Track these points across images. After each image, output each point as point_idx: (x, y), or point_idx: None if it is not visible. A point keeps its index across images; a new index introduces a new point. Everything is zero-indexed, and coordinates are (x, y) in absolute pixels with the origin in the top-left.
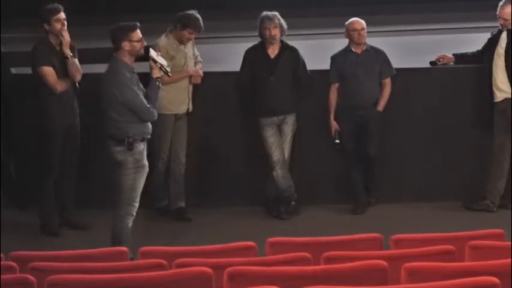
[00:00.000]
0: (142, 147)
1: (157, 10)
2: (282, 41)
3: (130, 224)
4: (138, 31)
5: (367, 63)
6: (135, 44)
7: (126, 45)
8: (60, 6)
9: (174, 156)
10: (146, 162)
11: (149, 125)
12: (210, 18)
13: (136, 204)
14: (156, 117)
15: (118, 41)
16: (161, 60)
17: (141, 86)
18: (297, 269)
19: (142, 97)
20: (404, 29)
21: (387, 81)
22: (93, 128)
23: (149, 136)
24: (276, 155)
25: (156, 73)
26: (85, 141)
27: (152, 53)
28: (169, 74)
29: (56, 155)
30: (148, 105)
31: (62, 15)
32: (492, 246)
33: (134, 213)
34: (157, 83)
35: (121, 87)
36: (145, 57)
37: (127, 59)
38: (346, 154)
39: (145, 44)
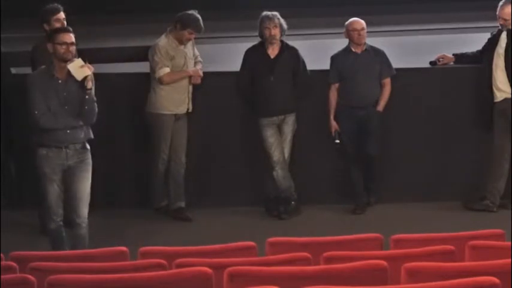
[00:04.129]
0: (44, 153)
1: (157, 10)
2: (282, 41)
3: (51, 226)
4: (65, 34)
5: (367, 63)
6: (57, 46)
7: (49, 46)
8: (60, 6)
9: (174, 156)
10: (47, 170)
11: (58, 134)
12: (210, 18)
13: (54, 209)
14: (47, 126)
15: (47, 42)
16: (78, 72)
17: (73, 94)
18: (297, 269)
19: (36, 102)
20: (404, 29)
21: (387, 81)
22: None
23: (60, 145)
24: (276, 155)
25: (88, 84)
26: None
27: (73, 64)
28: (88, 89)
29: None
30: (36, 111)
31: (62, 15)
32: (492, 246)
33: (54, 218)
34: (87, 96)
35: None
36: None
37: (55, 62)
38: (346, 154)
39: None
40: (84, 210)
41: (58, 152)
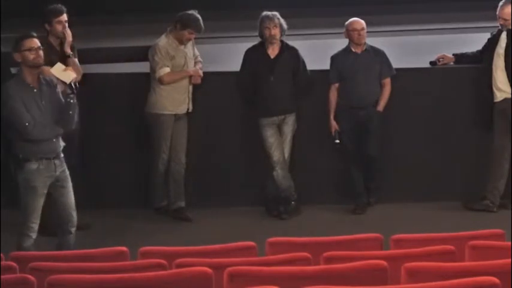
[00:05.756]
0: (34, 167)
1: (158, 10)
2: (282, 41)
3: (26, 244)
4: (30, 40)
5: (367, 63)
6: (26, 53)
7: (17, 56)
8: (63, 8)
9: (174, 156)
10: (38, 184)
11: (45, 145)
12: (210, 18)
13: (32, 225)
14: (40, 137)
15: (14, 52)
16: (64, 76)
17: (49, 101)
18: (297, 269)
19: (23, 114)
20: (404, 29)
21: (387, 81)
22: (92, 127)
23: (49, 156)
24: (276, 155)
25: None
26: (84, 141)
27: (55, 68)
28: (74, 91)
29: None
30: (27, 123)
31: (65, 17)
32: (492, 246)
33: (31, 234)
34: (69, 100)
35: (2, 103)
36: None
37: (26, 71)
38: (346, 154)
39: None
40: (75, 218)
41: (47, 164)
